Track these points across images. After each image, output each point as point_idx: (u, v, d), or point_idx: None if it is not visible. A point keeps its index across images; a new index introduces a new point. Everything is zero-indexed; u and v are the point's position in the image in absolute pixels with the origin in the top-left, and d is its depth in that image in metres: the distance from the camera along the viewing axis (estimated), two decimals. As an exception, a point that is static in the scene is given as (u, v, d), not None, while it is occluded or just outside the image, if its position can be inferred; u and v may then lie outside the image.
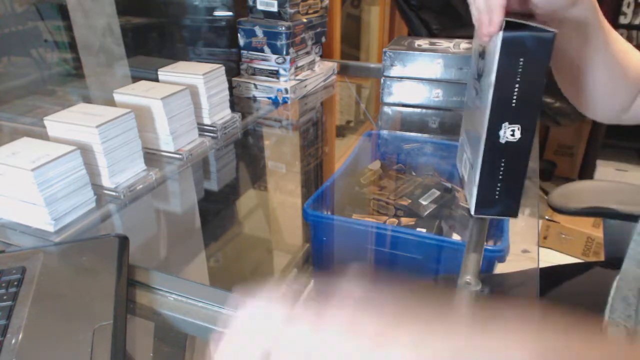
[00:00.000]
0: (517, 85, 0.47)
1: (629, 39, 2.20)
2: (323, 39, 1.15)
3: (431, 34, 1.96)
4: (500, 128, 0.49)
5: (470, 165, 0.58)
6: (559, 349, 0.23)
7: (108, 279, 0.44)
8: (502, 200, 0.54)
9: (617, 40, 0.52)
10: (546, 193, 2.24)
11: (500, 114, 0.49)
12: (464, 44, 0.99)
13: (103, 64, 0.91)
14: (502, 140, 0.50)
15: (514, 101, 0.48)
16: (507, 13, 0.44)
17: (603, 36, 0.49)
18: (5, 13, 0.79)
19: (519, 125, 0.49)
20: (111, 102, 0.73)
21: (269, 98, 1.05)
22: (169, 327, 0.45)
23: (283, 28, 0.99)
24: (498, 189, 0.54)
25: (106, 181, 0.64)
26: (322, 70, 1.15)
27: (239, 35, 1.04)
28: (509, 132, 0.50)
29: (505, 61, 0.46)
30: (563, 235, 1.85)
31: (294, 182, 0.87)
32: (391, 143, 0.90)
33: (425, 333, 0.25)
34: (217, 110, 0.86)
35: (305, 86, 1.09)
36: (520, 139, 0.50)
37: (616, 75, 0.52)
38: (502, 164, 0.52)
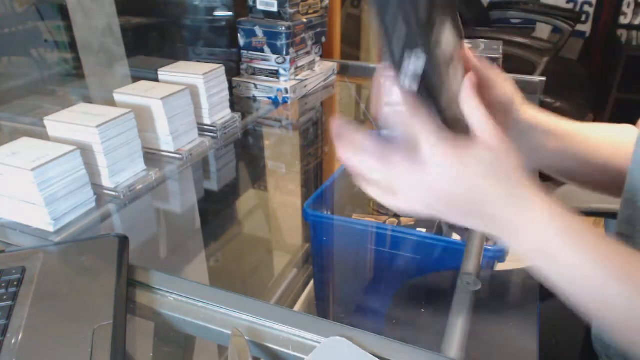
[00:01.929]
0: None
1: (629, 39, 2.20)
2: (323, 39, 1.15)
3: (431, 34, 1.96)
4: None
5: None
6: None
7: (108, 279, 0.44)
8: None
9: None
10: (546, 193, 2.23)
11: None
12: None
13: (103, 64, 0.90)
14: None
15: None
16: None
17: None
18: (5, 13, 0.79)
19: None
20: (111, 102, 0.73)
21: (269, 98, 1.05)
22: (169, 327, 0.45)
23: (283, 28, 0.99)
24: None
25: (106, 181, 0.64)
26: (322, 70, 1.15)
27: (239, 35, 1.04)
28: None
29: None
30: (563, 235, 1.85)
31: (294, 182, 0.87)
32: (391, 143, 0.90)
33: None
34: (217, 110, 0.85)
35: (305, 86, 1.09)
36: None
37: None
38: None
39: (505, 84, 0.43)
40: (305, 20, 1.05)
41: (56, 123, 0.63)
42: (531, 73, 1.66)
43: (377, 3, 0.33)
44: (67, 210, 0.58)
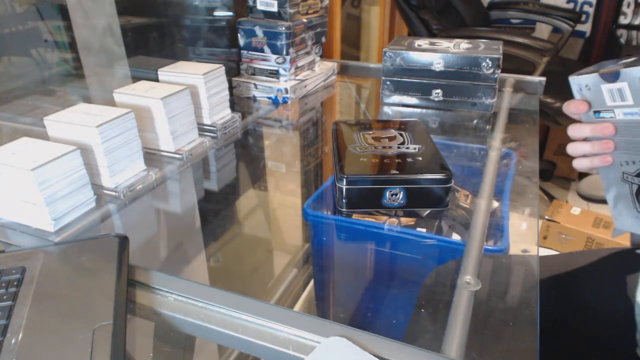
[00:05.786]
0: None
1: (629, 39, 2.20)
2: (323, 39, 1.15)
3: (431, 34, 1.96)
4: None
5: None
6: None
7: (108, 279, 0.44)
8: None
9: None
10: (546, 193, 2.24)
11: None
12: (464, 44, 0.99)
13: (103, 64, 0.90)
14: None
15: None
16: None
17: None
18: (5, 13, 0.79)
19: None
20: (111, 102, 0.73)
21: (269, 98, 1.05)
22: (169, 327, 0.45)
23: (283, 28, 0.99)
24: None
25: (106, 181, 0.64)
26: (322, 70, 1.15)
27: (239, 35, 1.04)
28: None
29: None
30: (563, 235, 1.85)
31: (294, 182, 0.87)
32: (391, 143, 0.90)
33: None
34: (217, 110, 0.86)
35: (305, 86, 1.09)
36: None
37: None
38: None
39: None
40: (305, 20, 1.05)
41: (56, 123, 0.63)
42: (531, 73, 1.66)
43: None
44: (67, 210, 0.58)
